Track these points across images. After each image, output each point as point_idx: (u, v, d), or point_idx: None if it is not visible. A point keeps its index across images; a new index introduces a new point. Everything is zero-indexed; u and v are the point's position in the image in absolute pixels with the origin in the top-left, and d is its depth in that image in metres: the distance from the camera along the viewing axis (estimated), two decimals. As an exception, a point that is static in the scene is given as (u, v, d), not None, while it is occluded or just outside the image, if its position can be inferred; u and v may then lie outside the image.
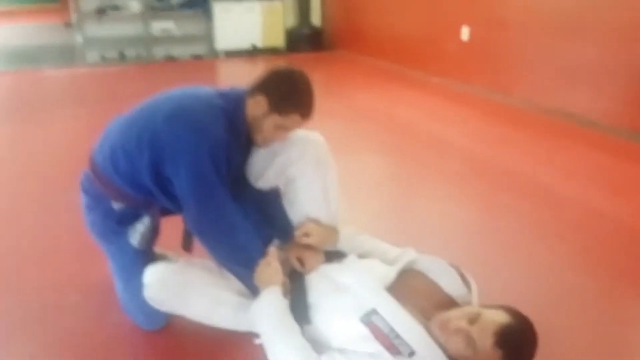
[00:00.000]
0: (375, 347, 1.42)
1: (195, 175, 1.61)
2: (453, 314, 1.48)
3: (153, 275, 1.72)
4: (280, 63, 1.81)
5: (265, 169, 1.85)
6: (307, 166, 1.80)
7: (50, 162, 3.60)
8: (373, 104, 5.23)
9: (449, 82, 5.75)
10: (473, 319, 1.41)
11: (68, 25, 11.12)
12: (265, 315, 1.55)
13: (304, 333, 1.56)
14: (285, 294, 1.65)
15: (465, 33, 5.54)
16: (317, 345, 1.53)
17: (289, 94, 1.69)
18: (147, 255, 1.83)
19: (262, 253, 1.68)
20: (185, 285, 1.72)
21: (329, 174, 1.84)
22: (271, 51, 7.74)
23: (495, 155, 3.71)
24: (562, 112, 4.46)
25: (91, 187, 1.82)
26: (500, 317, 1.41)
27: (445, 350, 1.41)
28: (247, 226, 1.69)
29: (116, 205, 1.78)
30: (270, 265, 1.63)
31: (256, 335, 1.56)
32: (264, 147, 1.81)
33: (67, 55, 7.71)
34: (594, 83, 4.26)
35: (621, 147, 3.79)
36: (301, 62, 7.35)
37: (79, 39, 7.27)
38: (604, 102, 4.19)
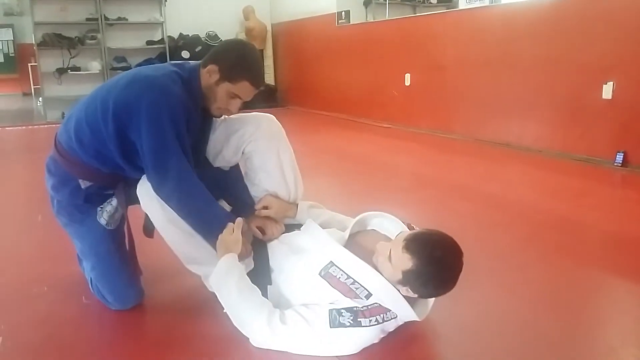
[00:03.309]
0: (334, 295, 1.57)
1: (154, 134, 1.64)
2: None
3: None
4: (233, 39, 1.95)
5: (222, 149, 1.95)
6: (260, 143, 1.92)
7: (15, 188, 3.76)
8: (328, 143, 5.57)
9: (396, 126, 6.16)
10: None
11: (27, 94, 11.32)
12: (223, 281, 1.64)
13: (267, 294, 1.70)
14: (249, 261, 1.79)
15: (407, 79, 6.00)
16: (281, 305, 1.66)
17: (238, 62, 1.76)
18: (116, 234, 1.89)
19: (221, 219, 1.74)
20: None
21: (282, 148, 1.96)
22: (228, 108, 8.04)
23: (441, 174, 4.04)
24: (499, 141, 4.86)
25: (57, 169, 1.84)
26: (415, 231, 1.59)
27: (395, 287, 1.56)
28: (206, 192, 1.73)
29: (83, 184, 1.82)
30: (232, 235, 1.70)
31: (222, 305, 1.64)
32: (219, 117, 1.90)
33: (26, 116, 7.83)
34: (523, 113, 4.69)
35: (552, 165, 4.18)
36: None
37: (39, 100, 7.41)
38: (533, 129, 4.61)
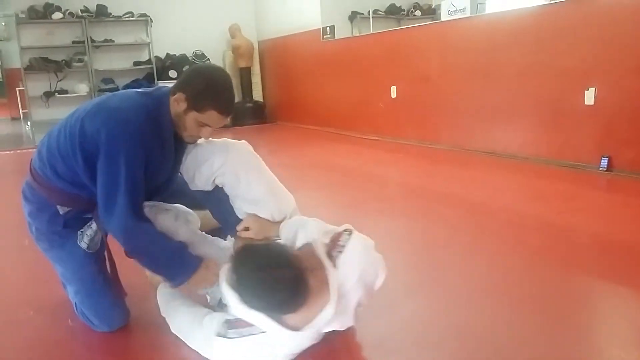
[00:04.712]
0: None
1: (107, 171, 1.64)
2: None
3: None
4: (203, 64, 1.87)
5: (194, 176, 1.91)
6: (228, 177, 1.86)
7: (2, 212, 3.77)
8: (316, 157, 5.60)
9: (383, 138, 6.20)
10: None
11: (15, 119, 11.32)
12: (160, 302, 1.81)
13: None
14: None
15: (393, 91, 6.05)
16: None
17: (205, 91, 1.70)
18: (97, 256, 1.88)
19: (168, 259, 1.74)
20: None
21: (253, 177, 1.89)
22: (217, 125, 8.07)
23: (428, 184, 4.07)
24: (485, 150, 4.90)
25: (34, 195, 1.83)
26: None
27: None
28: (151, 233, 1.73)
29: (62, 210, 1.80)
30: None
31: None
32: (193, 143, 1.87)
33: (15, 140, 7.83)
34: (508, 121, 4.74)
35: (538, 171, 4.21)
36: (246, 132, 7.72)
37: (27, 125, 7.41)
38: (519, 137, 4.66)
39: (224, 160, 1.83)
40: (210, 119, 1.73)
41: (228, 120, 1.83)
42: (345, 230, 1.68)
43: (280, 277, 1.44)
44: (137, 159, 1.67)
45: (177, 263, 1.76)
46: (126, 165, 1.64)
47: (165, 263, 1.76)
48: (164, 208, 1.98)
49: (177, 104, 1.72)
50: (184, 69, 8.02)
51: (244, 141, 1.96)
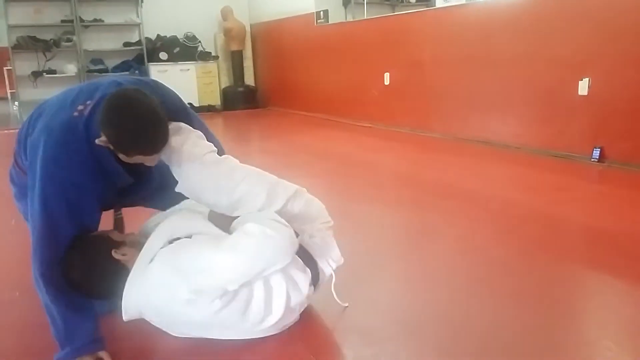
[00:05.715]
0: None
1: (32, 220, 1.61)
2: None
3: None
4: (119, 90, 1.59)
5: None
6: (190, 195, 1.79)
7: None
8: (308, 143, 5.57)
9: (376, 125, 6.17)
10: None
11: (2, 98, 11.14)
12: None
13: None
14: None
15: (386, 78, 6.01)
16: None
17: (124, 139, 1.53)
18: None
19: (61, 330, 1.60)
20: None
21: (206, 202, 1.77)
22: (207, 109, 8.04)
23: (421, 172, 4.06)
24: (478, 139, 4.89)
25: (19, 179, 1.83)
26: None
27: None
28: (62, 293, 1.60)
29: None
30: None
31: None
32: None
33: (2, 120, 7.73)
34: (502, 110, 4.73)
35: (531, 161, 4.22)
36: (238, 117, 7.69)
37: (14, 105, 7.31)
38: (512, 126, 4.65)
39: (180, 184, 1.72)
40: (141, 160, 1.61)
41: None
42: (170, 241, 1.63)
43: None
44: (57, 202, 1.57)
45: (69, 334, 1.59)
46: (44, 218, 1.56)
47: (58, 327, 1.60)
48: (198, 210, 1.85)
49: (106, 142, 1.55)
50: (174, 51, 7.94)
51: (207, 158, 1.72)
